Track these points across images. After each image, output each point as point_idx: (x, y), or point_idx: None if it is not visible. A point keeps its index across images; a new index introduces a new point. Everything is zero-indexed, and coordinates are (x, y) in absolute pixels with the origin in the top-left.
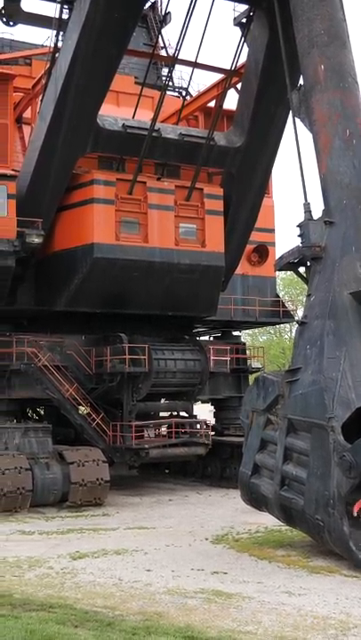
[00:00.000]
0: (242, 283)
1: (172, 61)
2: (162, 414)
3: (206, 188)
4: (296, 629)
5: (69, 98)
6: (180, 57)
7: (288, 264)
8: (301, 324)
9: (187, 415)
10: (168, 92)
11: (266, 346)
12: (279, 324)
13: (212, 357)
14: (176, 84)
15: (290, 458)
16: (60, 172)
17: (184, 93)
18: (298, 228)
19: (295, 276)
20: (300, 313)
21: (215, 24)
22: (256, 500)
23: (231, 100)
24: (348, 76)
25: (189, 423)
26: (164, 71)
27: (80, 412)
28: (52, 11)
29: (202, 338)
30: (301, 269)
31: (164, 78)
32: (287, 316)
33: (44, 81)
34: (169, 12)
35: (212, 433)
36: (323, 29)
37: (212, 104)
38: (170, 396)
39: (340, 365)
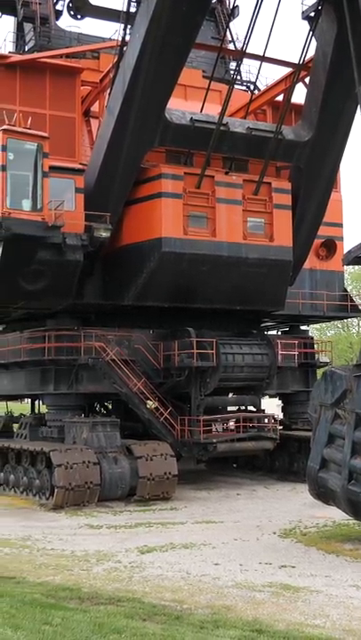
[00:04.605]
0: (310, 277)
1: (241, 55)
2: (230, 408)
3: (274, 183)
4: None
5: (137, 91)
6: (248, 50)
7: (356, 258)
8: None
9: (255, 409)
10: (236, 86)
11: (334, 340)
12: (347, 318)
13: (279, 352)
14: (244, 78)
15: (358, 452)
16: (127, 165)
17: (252, 87)
18: None
19: None
20: None
21: (283, 18)
22: (324, 494)
23: (299, 94)
24: None
25: (257, 417)
26: (232, 65)
27: (148, 406)
28: (119, 4)
29: (270, 332)
30: None
31: (232, 72)
32: (355, 310)
33: (111, 74)
34: (237, 6)
35: (280, 427)
36: None
37: (280, 98)
38: (238, 390)
39: None
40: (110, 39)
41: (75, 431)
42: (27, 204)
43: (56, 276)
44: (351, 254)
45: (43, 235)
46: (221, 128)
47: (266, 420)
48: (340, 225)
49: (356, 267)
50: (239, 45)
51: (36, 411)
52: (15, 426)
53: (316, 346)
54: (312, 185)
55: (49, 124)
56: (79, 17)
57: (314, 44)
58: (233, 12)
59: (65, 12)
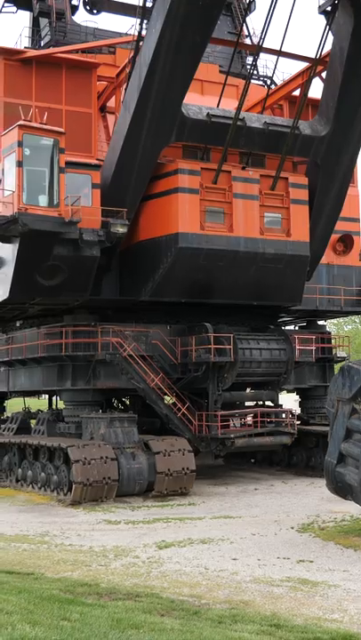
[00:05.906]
0: (327, 272)
1: (257, 50)
2: (247, 404)
3: (291, 177)
4: None
5: (154, 86)
6: (264, 45)
7: None
8: None
9: (272, 404)
10: (253, 81)
11: (351, 335)
12: None
13: (297, 347)
14: (261, 73)
15: None
16: (144, 161)
17: (269, 82)
18: None
19: None
20: None
21: (300, 12)
22: (341, 489)
23: (316, 89)
24: None
25: (275, 412)
26: (249, 60)
27: (165, 401)
28: None
29: (287, 327)
30: None
31: (248, 67)
32: None
33: (128, 70)
34: (253, 0)
35: (298, 422)
36: None
37: (296, 93)
38: (255, 385)
39: None
40: (126, 34)
41: (92, 427)
42: (43, 200)
43: (73, 271)
44: None
45: (59, 230)
46: (238, 123)
47: (283, 415)
48: (358, 220)
49: None
50: (256, 40)
51: (54, 407)
52: (33, 422)
53: (333, 341)
54: (329, 180)
55: (65, 119)
56: (95, 12)
57: (331, 38)
58: (249, 7)
59: (81, 7)
